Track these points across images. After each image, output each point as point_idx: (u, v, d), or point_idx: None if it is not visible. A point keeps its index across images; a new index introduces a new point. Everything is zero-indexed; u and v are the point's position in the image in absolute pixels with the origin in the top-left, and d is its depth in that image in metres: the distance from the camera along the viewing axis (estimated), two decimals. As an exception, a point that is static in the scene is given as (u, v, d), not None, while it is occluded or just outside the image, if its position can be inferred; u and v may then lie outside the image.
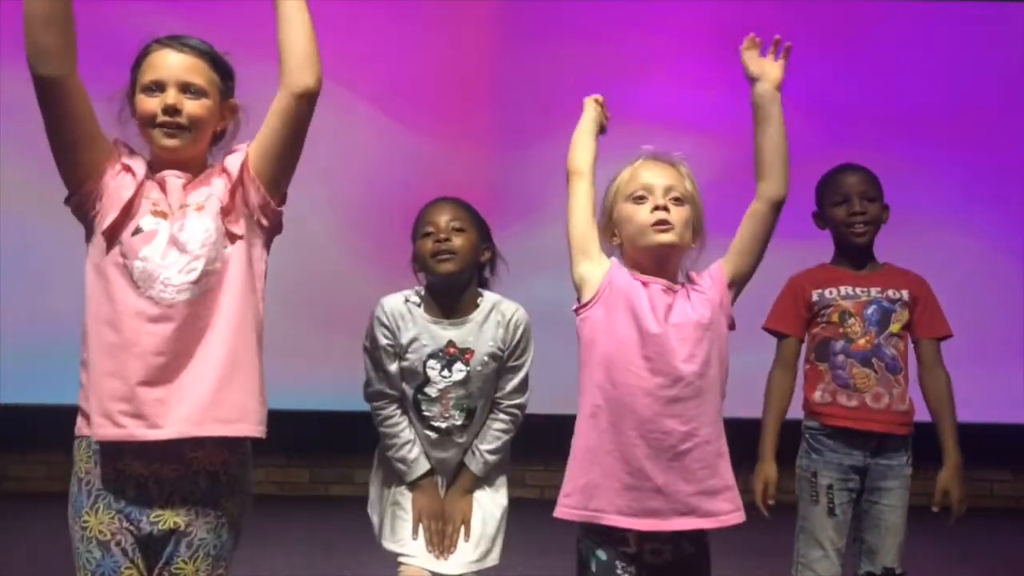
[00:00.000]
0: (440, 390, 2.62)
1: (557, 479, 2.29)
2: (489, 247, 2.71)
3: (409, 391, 2.65)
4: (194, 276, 2.00)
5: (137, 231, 2.02)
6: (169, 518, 2.03)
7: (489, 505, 2.69)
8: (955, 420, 2.90)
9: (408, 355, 2.62)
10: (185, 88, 2.05)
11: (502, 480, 2.73)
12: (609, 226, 2.28)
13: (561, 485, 2.26)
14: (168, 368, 1.99)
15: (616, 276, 2.22)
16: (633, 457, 2.16)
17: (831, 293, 2.88)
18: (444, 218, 2.62)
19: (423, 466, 2.65)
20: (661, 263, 2.23)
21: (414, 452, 2.64)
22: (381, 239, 4.96)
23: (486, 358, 2.62)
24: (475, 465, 2.66)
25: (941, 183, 5.54)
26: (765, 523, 2.77)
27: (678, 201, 2.21)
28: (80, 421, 2.06)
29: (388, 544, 2.67)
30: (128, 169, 2.05)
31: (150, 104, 2.05)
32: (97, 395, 2.00)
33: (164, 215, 2.04)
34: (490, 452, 2.65)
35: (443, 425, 2.64)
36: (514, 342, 2.64)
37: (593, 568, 2.20)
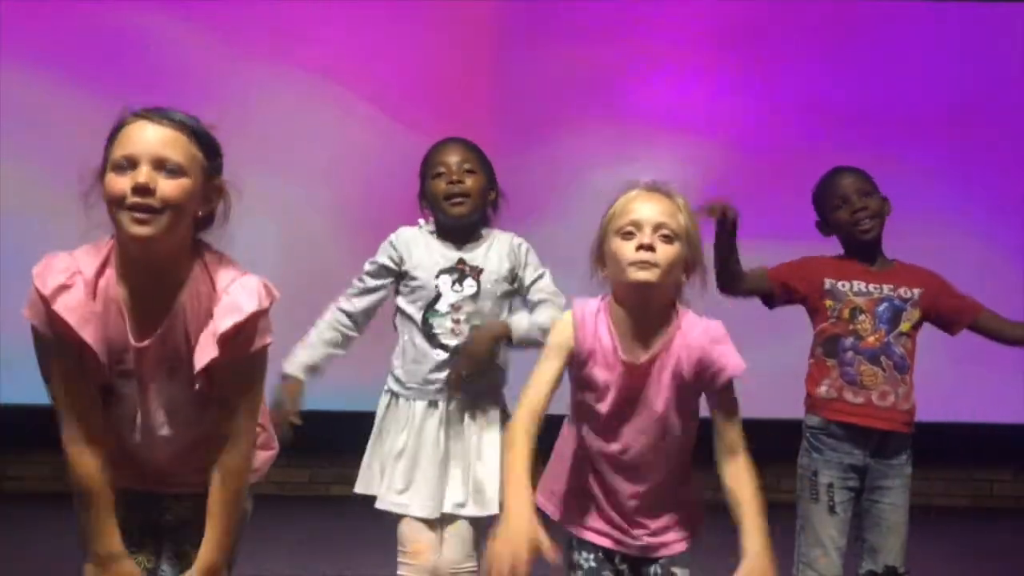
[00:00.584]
0: (451, 305, 2.68)
1: (557, 479, 2.31)
2: (495, 188, 2.80)
3: (417, 314, 2.69)
4: (168, 451, 2.00)
5: (111, 392, 1.97)
6: (178, 510, 2.06)
7: (485, 465, 2.67)
8: None
9: (418, 272, 2.69)
10: (160, 165, 1.81)
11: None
12: (601, 257, 2.25)
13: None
14: (167, 467, 2.04)
15: (582, 345, 2.19)
16: (594, 496, 2.27)
17: (844, 286, 2.88)
18: (456, 159, 2.72)
19: (298, 365, 2.66)
20: (643, 300, 2.19)
21: (306, 352, 2.68)
22: (381, 239, 4.93)
23: (496, 276, 2.68)
24: (520, 320, 2.66)
25: (941, 183, 5.53)
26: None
27: (667, 239, 2.15)
28: None
29: (382, 504, 2.68)
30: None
31: (119, 183, 1.81)
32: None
33: (130, 375, 1.94)
34: (540, 327, 2.60)
35: (452, 343, 2.67)
36: (523, 259, 2.74)
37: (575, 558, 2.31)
